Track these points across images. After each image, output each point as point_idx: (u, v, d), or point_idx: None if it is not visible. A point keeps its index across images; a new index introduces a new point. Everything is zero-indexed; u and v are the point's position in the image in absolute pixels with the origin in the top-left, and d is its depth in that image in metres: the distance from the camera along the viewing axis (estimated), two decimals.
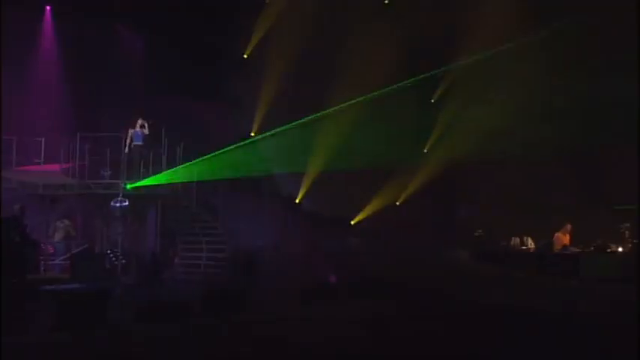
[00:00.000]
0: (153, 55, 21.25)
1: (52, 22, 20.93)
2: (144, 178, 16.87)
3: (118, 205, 16.36)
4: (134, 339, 9.68)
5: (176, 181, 17.55)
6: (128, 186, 16.64)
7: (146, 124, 17.43)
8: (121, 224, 17.03)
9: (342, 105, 20.24)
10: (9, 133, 17.40)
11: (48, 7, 20.95)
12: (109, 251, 17.54)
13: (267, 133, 20.68)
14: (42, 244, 17.73)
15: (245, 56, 21.59)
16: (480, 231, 20.37)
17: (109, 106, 19.71)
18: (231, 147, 19.59)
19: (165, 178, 17.23)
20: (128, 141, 17.50)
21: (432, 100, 22.04)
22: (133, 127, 17.63)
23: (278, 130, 20.33)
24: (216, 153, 18.73)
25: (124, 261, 17.29)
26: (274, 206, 20.91)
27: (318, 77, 19.85)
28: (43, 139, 17.26)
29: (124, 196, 16.53)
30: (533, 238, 18.71)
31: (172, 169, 17.64)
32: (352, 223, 21.63)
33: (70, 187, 16.91)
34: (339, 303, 13.53)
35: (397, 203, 22.16)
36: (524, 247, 18.54)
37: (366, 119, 20.29)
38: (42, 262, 16.69)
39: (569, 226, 17.69)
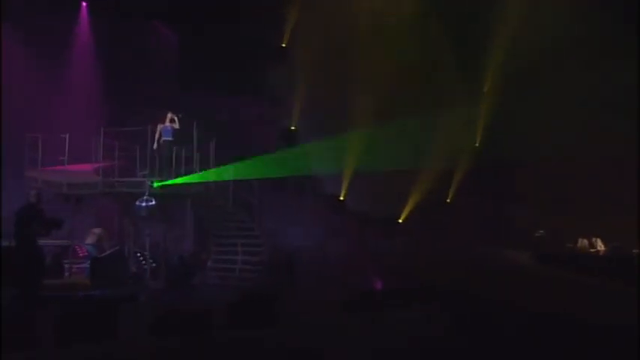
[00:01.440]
0: (187, 49, 20.63)
1: (88, 18, 20.39)
2: (174, 176, 15.43)
3: (143, 204, 15.03)
4: (156, 354, 8.28)
5: (210, 179, 16.08)
6: (155, 184, 15.25)
7: (176, 118, 16.08)
8: (148, 225, 15.65)
9: (386, 97, 18.79)
10: (36, 130, 16.35)
11: (84, 4, 20.44)
12: (138, 254, 16.36)
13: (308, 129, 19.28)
14: (75, 247, 17.14)
15: (283, 45, 20.29)
16: (542, 232, 18.56)
17: (141, 103, 18.85)
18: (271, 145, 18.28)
19: (198, 176, 15.81)
20: (157, 136, 16.18)
21: (485, 90, 20.25)
22: (163, 122, 16.26)
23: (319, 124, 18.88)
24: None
25: (153, 264, 16.08)
26: (316, 204, 19.61)
27: (360, 68, 18.68)
28: (67, 136, 15.87)
29: (150, 194, 15.10)
30: (603, 240, 16.87)
31: (206, 170, 16.24)
32: (399, 221, 19.94)
33: (94, 185, 15.62)
34: (389, 311, 12.05)
35: (448, 200, 20.45)
36: (593, 250, 16.67)
37: (412, 111, 18.81)
38: (66, 265, 15.49)
39: None
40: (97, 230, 16.91)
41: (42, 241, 12.68)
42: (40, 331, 9.11)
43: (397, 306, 11.79)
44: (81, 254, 17.64)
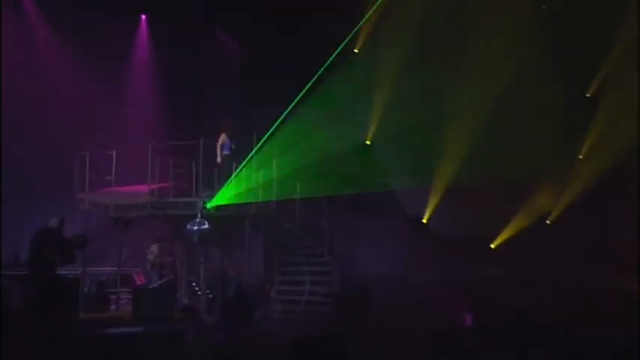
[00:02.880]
0: (250, 59, 19.36)
1: (148, 30, 19.73)
2: (228, 194, 13.64)
3: (195, 228, 13.22)
4: None
5: (270, 198, 14.19)
6: (208, 205, 13.45)
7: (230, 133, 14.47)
8: (201, 251, 13.83)
9: (471, 104, 16.66)
10: (92, 148, 15.10)
11: (143, 16, 19.72)
12: (193, 283, 14.60)
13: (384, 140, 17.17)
14: (133, 274, 16.30)
15: (356, 51, 18.34)
16: None
17: (202, 116, 17.95)
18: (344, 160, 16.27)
19: (257, 195, 13.92)
20: (219, 150, 14.47)
21: (588, 95, 17.59)
22: (222, 135, 14.59)
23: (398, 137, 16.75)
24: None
25: (210, 295, 14.28)
26: (395, 227, 17.35)
27: (442, 73, 16.61)
28: (114, 153, 14.36)
29: (203, 217, 13.27)
30: None
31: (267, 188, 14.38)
32: (492, 246, 17.40)
33: (143, 207, 13.94)
34: (481, 354, 9.96)
35: (548, 222, 17.74)
36: None
37: (503, 120, 16.42)
38: (114, 295, 13.94)
39: None
40: (154, 248, 15.47)
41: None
42: None
43: (491, 349, 10.00)
44: (138, 282, 16.37)
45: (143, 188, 14.73)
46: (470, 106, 16.63)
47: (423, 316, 12.93)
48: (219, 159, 14.55)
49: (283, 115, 14.92)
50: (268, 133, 14.39)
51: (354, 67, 17.70)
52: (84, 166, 14.61)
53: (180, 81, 18.29)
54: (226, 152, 14.63)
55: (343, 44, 16.69)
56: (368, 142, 17.86)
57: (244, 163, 14.24)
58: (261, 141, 14.36)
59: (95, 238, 15.12)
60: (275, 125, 14.47)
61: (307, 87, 16.52)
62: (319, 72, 16.60)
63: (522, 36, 16.64)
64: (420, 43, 16.55)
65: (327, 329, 12.95)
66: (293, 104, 16.93)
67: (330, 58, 17.28)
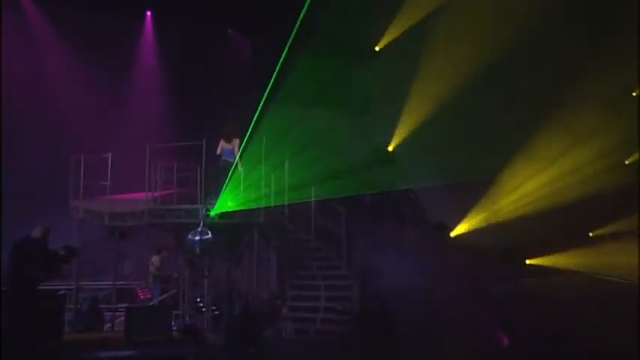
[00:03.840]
0: (261, 58, 17.98)
1: (153, 28, 18.85)
2: (234, 200, 12.34)
3: (197, 238, 11.91)
4: None
5: (281, 203, 12.85)
6: (212, 212, 12.13)
7: (237, 142, 13.22)
8: (205, 264, 12.59)
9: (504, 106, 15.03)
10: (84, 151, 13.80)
11: (149, 13, 18.89)
12: (198, 299, 13.39)
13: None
14: (137, 289, 15.36)
15: (377, 49, 17.01)
16: None
17: (210, 118, 16.34)
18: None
19: (268, 200, 12.58)
20: (219, 152, 13.18)
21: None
22: (227, 139, 13.29)
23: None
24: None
25: (216, 312, 13.01)
26: (420, 236, 15.93)
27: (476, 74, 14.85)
28: (110, 156, 13.10)
29: (206, 225, 11.97)
30: None
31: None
32: (528, 262, 15.85)
33: (140, 215, 12.66)
34: None
35: (590, 234, 16.15)
36: None
37: (540, 123, 15.13)
38: (110, 312, 12.66)
39: None
40: (155, 260, 14.36)
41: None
42: None
43: None
44: (142, 297, 15.15)
45: (141, 195, 13.46)
46: (504, 106, 15.09)
47: (451, 336, 11.67)
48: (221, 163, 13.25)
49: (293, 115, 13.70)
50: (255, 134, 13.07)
51: (374, 66, 16.48)
52: (79, 170, 13.36)
53: (187, 81, 17.33)
54: (228, 158, 13.29)
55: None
56: (390, 149, 16.43)
57: (245, 165, 12.88)
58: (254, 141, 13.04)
59: (95, 249, 14.13)
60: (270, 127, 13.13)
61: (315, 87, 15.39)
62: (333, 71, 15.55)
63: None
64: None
65: (344, 351, 11.67)
66: (306, 104, 15.91)
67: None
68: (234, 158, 13.10)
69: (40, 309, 9.53)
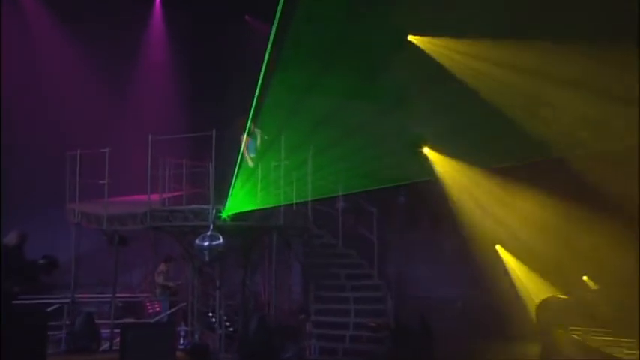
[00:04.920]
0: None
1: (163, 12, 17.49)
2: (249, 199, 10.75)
3: (206, 244, 10.27)
4: None
5: (304, 200, 11.24)
6: (224, 214, 10.49)
7: (258, 132, 11.55)
8: (217, 274, 11.05)
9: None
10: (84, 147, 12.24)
11: None
12: (210, 314, 11.93)
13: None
14: (147, 302, 13.89)
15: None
16: None
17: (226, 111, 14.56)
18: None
19: (286, 197, 10.90)
20: (243, 150, 11.51)
21: None
22: (245, 131, 11.61)
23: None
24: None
25: (230, 329, 11.55)
26: (458, 240, 13.96)
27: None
28: (108, 151, 11.43)
29: (216, 229, 10.32)
30: None
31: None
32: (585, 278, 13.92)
33: (142, 218, 11.12)
34: None
35: None
36: None
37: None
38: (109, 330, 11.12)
39: None
40: (163, 268, 12.91)
41: None
42: None
43: None
44: (151, 310, 13.73)
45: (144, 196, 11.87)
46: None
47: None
48: (250, 163, 11.53)
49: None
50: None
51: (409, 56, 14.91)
52: (75, 169, 11.81)
53: (200, 68, 15.93)
54: (252, 155, 11.64)
55: None
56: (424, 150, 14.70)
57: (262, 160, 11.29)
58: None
59: (102, 256, 12.60)
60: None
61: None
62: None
63: None
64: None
65: None
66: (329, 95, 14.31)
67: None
68: (255, 152, 11.50)
69: (20, 328, 7.92)
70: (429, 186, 13.27)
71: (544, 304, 12.77)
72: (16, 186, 13.60)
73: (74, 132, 13.48)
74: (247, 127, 11.43)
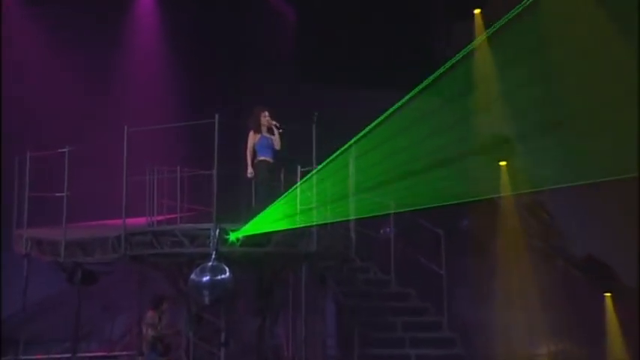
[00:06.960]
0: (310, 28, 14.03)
1: None
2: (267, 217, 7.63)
3: (206, 279, 7.04)
4: None
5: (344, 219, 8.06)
6: (232, 235, 7.23)
7: (276, 128, 8.28)
8: (222, 322, 7.78)
9: None
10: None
11: None
12: None
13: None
14: None
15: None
16: None
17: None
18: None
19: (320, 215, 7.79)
20: (250, 154, 8.31)
21: None
22: (257, 129, 8.39)
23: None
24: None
25: None
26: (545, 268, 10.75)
27: None
28: (67, 151, 8.35)
29: (220, 257, 7.12)
30: None
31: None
32: None
33: (114, 245, 7.89)
34: None
35: None
36: None
37: None
38: None
39: None
40: (151, 316, 9.39)
41: None
42: None
43: None
44: None
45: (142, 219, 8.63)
46: None
47: None
48: (249, 170, 8.34)
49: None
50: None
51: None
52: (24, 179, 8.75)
53: (206, 54, 13.11)
54: (265, 156, 8.36)
55: None
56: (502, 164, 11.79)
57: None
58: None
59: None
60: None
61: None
62: None
63: None
64: None
65: None
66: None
67: None
68: (272, 155, 8.32)
69: None
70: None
71: None
72: None
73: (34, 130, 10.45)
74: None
